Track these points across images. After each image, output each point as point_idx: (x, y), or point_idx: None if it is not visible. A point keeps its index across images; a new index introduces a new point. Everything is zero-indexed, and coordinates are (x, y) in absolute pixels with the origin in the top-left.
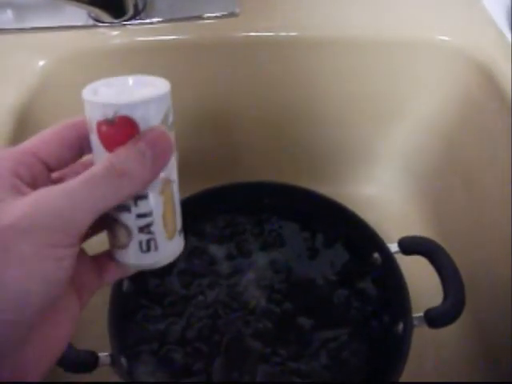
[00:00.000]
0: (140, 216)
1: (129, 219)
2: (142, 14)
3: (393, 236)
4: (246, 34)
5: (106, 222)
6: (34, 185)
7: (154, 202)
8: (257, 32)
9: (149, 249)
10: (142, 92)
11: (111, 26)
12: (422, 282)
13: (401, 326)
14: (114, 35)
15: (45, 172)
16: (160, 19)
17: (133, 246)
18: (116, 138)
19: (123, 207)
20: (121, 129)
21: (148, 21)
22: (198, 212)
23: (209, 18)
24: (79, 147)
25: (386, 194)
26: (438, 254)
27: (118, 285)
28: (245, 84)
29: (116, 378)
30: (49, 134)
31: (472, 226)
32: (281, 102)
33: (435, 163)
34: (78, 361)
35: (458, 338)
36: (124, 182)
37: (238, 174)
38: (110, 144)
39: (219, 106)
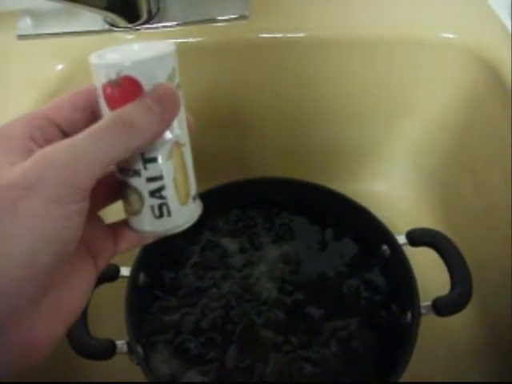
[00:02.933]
0: (150, 180)
1: (140, 183)
2: (156, 19)
3: (401, 229)
4: (256, 35)
5: (120, 188)
6: None
7: (163, 165)
8: (267, 34)
9: (162, 214)
10: (145, 53)
11: (126, 30)
12: (429, 272)
13: (409, 316)
14: (129, 39)
15: (59, 135)
16: (173, 23)
17: (146, 212)
18: (121, 98)
19: (134, 172)
20: (125, 89)
21: (161, 25)
22: (212, 207)
23: (220, 21)
24: (92, 111)
25: (394, 190)
26: (444, 244)
27: (134, 278)
28: (256, 84)
29: (132, 366)
30: (62, 99)
31: (479, 219)
32: (291, 101)
33: (443, 159)
34: (96, 348)
35: (465, 326)
36: (131, 132)
37: (250, 170)
38: (115, 105)
39: (231, 106)
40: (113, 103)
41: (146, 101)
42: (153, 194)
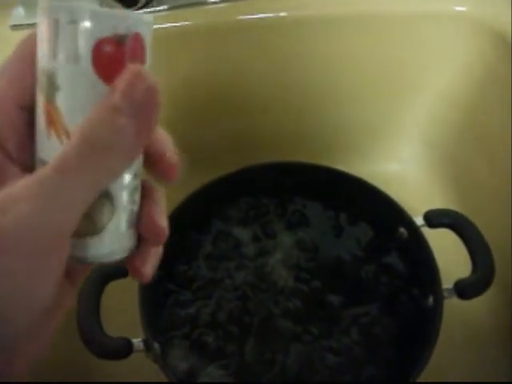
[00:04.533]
0: (129, 178)
1: (116, 185)
2: (154, 2)
3: (416, 210)
4: (258, 15)
5: None
6: None
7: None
8: (269, 13)
9: (130, 226)
10: (137, 14)
11: None
12: (448, 254)
13: (431, 299)
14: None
15: (7, 161)
16: (171, 5)
17: (112, 226)
18: (120, 66)
19: None
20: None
21: (161, 8)
22: (221, 195)
23: (220, 1)
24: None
25: (406, 170)
26: (464, 225)
27: None
28: (260, 67)
29: (149, 364)
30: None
31: (495, 197)
32: (297, 84)
33: (456, 136)
34: (112, 348)
35: (486, 310)
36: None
37: (257, 157)
38: (112, 74)
39: (236, 90)
40: (108, 70)
41: (120, 107)
42: (130, 197)
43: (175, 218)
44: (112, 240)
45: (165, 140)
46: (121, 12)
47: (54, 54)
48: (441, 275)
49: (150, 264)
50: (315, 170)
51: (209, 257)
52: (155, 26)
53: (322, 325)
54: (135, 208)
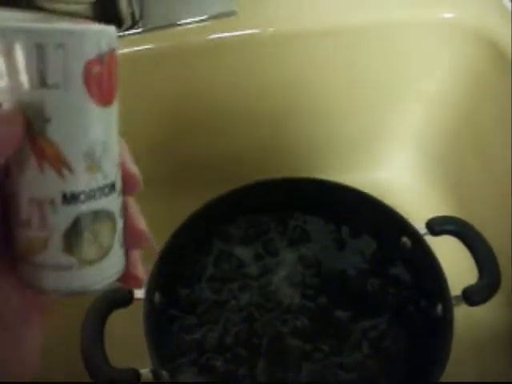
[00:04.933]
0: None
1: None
2: (140, 23)
3: (415, 218)
4: (243, 32)
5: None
6: None
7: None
8: (255, 29)
9: (122, 245)
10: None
11: None
12: (453, 262)
13: (439, 308)
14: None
15: None
16: (157, 25)
17: (116, 248)
18: (104, 80)
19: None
20: (110, 67)
21: (147, 28)
22: (220, 215)
23: (206, 19)
24: None
25: (403, 178)
26: (468, 232)
27: (150, 299)
28: (244, 83)
29: None
30: None
31: (493, 201)
32: (283, 97)
33: (451, 142)
34: (120, 380)
35: (493, 316)
36: None
37: (246, 176)
38: (100, 91)
39: (219, 108)
40: (98, 90)
41: None
42: (121, 212)
43: (174, 241)
44: (117, 258)
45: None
46: (99, 27)
47: (39, 83)
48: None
49: (140, 266)
50: (313, 184)
51: (211, 279)
52: (139, 48)
53: (332, 341)
54: (122, 223)
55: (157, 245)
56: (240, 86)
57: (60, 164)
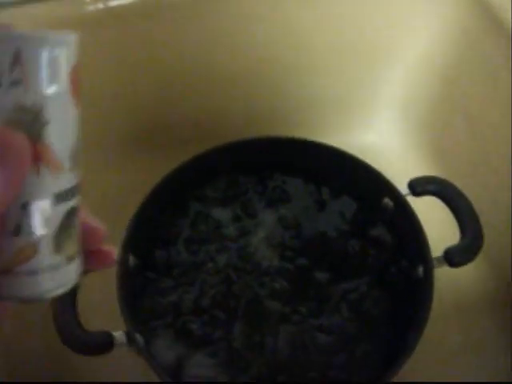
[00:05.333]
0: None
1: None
2: None
3: (398, 180)
4: None
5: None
6: None
7: None
8: None
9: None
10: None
11: None
12: (435, 222)
13: (420, 269)
14: (88, 1)
15: None
16: None
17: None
18: (79, 82)
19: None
20: (79, 68)
21: None
22: (196, 176)
23: None
24: None
25: (388, 140)
26: (450, 191)
27: (124, 262)
28: (223, 42)
29: (133, 358)
30: None
31: (478, 164)
32: (266, 57)
33: (434, 103)
34: (93, 343)
35: (475, 279)
36: None
37: (227, 135)
38: (79, 94)
39: (197, 69)
40: (78, 93)
41: None
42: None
43: (149, 203)
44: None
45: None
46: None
47: (38, 88)
48: (429, 244)
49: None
50: (293, 144)
51: (188, 241)
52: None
53: (311, 303)
54: None
55: (133, 206)
56: (218, 45)
57: (55, 165)
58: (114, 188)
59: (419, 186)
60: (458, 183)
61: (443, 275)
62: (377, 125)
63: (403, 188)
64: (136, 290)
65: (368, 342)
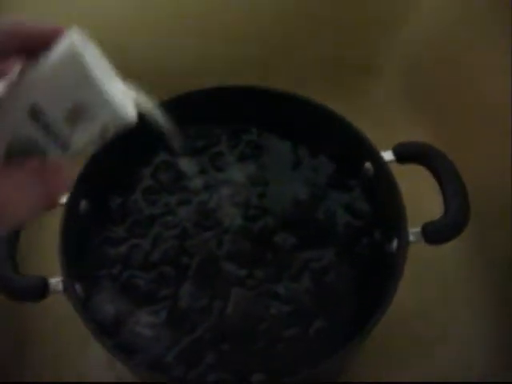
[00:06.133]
0: None
1: None
2: None
3: (383, 144)
4: None
5: None
6: None
7: None
8: None
9: None
10: None
11: None
12: (418, 195)
13: (394, 243)
14: None
15: None
16: None
17: None
18: None
19: None
20: None
21: None
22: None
23: None
24: None
25: (375, 103)
26: (438, 161)
27: (73, 205)
28: None
29: (69, 308)
30: None
31: (469, 128)
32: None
33: (430, 66)
34: (24, 287)
35: (459, 257)
36: None
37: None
38: None
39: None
40: None
41: None
42: None
43: (110, 145)
44: None
45: None
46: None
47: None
48: (409, 217)
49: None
50: (273, 95)
51: (148, 190)
52: None
53: (270, 269)
54: None
55: None
56: None
57: None
58: None
59: (405, 152)
60: (449, 152)
61: (422, 250)
62: (366, 86)
63: (388, 153)
64: (84, 237)
65: (325, 319)
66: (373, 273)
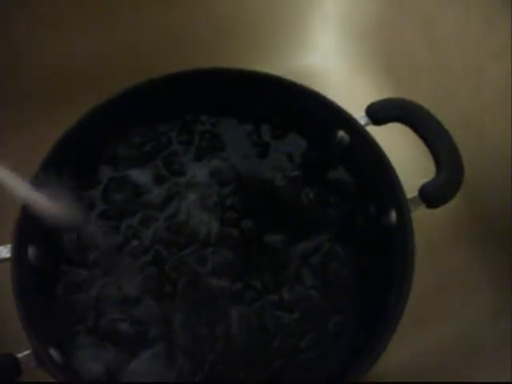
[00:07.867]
0: None
1: None
2: None
3: (353, 107)
4: None
5: None
6: None
7: None
8: None
9: None
10: None
11: None
12: (402, 158)
13: (393, 214)
14: None
15: None
16: None
17: None
18: None
19: None
20: None
21: None
22: (102, 131)
23: None
24: None
25: (331, 63)
26: (418, 115)
27: (20, 256)
28: None
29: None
30: None
31: (438, 83)
32: None
33: (383, 14)
34: None
35: (453, 221)
36: None
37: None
38: None
39: None
40: None
41: None
42: None
43: (44, 174)
44: None
45: None
46: None
47: None
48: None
49: None
50: (220, 75)
51: (103, 216)
52: None
53: (266, 275)
54: None
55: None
56: None
57: None
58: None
59: (381, 112)
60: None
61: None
62: (317, 46)
63: (361, 116)
64: (40, 291)
65: (340, 312)
66: (377, 251)
